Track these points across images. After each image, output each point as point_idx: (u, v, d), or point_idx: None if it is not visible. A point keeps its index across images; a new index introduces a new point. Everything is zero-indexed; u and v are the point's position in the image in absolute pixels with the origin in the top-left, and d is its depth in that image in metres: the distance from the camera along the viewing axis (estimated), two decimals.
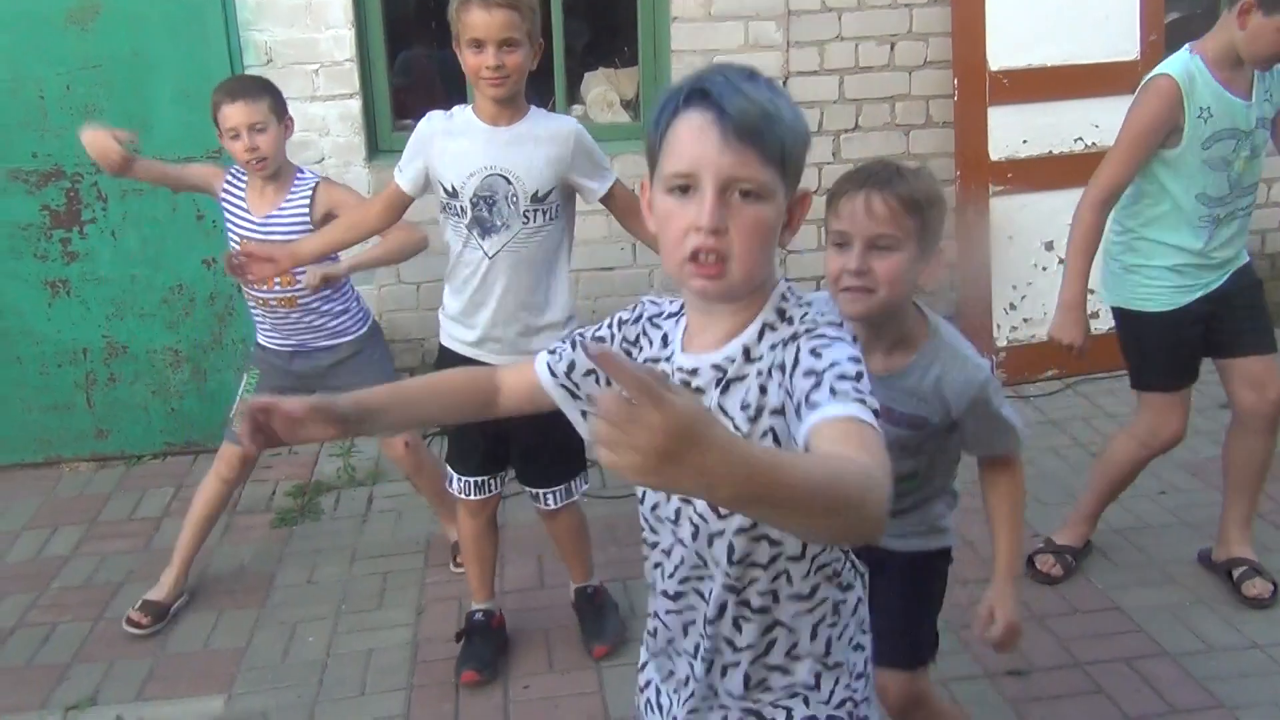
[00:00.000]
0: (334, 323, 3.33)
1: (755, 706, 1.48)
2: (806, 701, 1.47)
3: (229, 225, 3.25)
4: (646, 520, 1.50)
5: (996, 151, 4.68)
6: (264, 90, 3.16)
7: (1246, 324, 3.05)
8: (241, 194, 3.22)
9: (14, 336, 4.25)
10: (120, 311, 4.28)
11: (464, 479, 2.92)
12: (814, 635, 1.45)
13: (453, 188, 2.66)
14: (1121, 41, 4.61)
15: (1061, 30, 4.58)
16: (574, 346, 1.55)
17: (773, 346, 1.34)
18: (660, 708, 1.57)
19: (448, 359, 2.80)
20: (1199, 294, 3.01)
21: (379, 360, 3.42)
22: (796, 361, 1.29)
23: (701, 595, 1.45)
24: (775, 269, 1.40)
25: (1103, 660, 2.92)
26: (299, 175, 3.24)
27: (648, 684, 1.62)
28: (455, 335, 2.83)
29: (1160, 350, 3.11)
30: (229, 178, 3.25)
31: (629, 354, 1.49)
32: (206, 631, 3.29)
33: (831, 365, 1.26)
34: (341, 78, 4.28)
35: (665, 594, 1.49)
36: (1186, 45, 2.94)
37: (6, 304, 4.21)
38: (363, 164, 4.38)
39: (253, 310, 3.32)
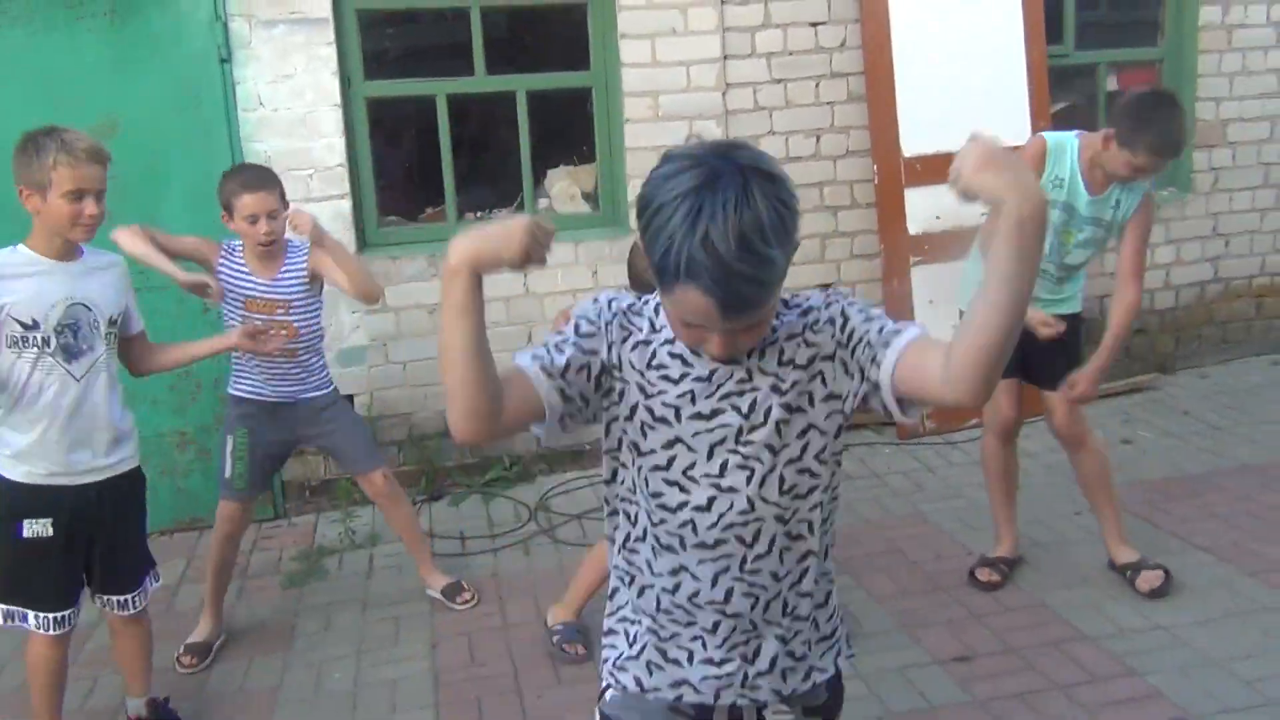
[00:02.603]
0: (317, 377, 3.77)
1: (784, 632, 1.67)
2: (816, 624, 1.72)
3: (235, 289, 3.59)
4: (674, 483, 1.60)
5: (914, 227, 5.30)
6: (275, 180, 3.58)
7: (1053, 360, 3.63)
8: (242, 263, 3.61)
9: None
10: (131, 399, 4.59)
11: (46, 616, 2.91)
12: (825, 556, 1.70)
13: (32, 320, 2.79)
14: (1014, 129, 5.28)
15: (962, 121, 5.19)
16: (557, 350, 1.57)
17: (804, 313, 1.59)
18: (673, 663, 1.68)
19: (25, 496, 2.86)
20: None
21: (350, 410, 3.93)
22: (846, 317, 1.56)
23: (743, 540, 1.61)
24: None
25: (1033, 645, 3.42)
26: (290, 243, 3.69)
27: (626, 660, 1.71)
28: (35, 468, 2.86)
29: None
30: (224, 252, 3.62)
31: (624, 339, 1.60)
32: (240, 677, 3.63)
33: (874, 318, 1.56)
34: (333, 181, 4.76)
35: (702, 545, 1.61)
36: (1078, 131, 3.59)
37: None
38: None
39: (251, 364, 3.67)
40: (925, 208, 5.28)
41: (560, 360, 1.55)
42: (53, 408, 2.84)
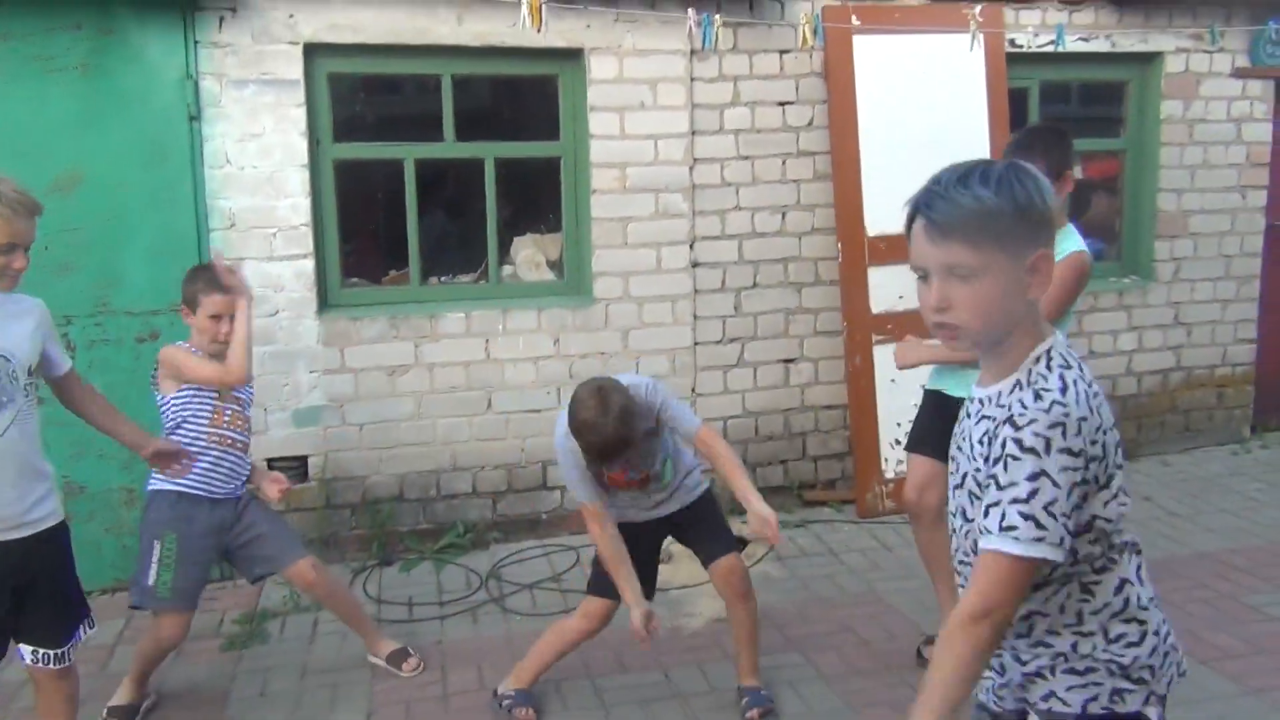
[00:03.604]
0: (249, 466, 3.74)
1: (1001, 680, 1.82)
2: (1064, 659, 1.74)
3: (205, 390, 3.55)
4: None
5: (877, 306, 5.32)
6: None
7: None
8: (204, 358, 3.55)
9: None
10: (81, 453, 4.57)
11: None
12: (1063, 610, 1.72)
13: None
14: None
15: None
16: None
17: (1000, 405, 1.66)
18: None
19: None
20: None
21: (263, 504, 3.78)
22: (998, 459, 1.62)
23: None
24: (1040, 323, 1.69)
25: None
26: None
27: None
28: None
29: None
30: (194, 352, 3.57)
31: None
32: None
33: (1011, 485, 1.59)
34: (297, 240, 4.76)
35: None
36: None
37: None
38: (314, 317, 4.82)
39: (212, 457, 3.55)
40: (889, 287, 5.31)
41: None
42: None
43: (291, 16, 4.64)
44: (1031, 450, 1.58)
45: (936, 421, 3.63)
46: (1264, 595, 4.27)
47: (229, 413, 3.59)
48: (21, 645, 2.93)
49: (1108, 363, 6.00)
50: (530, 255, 5.37)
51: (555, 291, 5.28)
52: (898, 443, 5.36)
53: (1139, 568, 1.78)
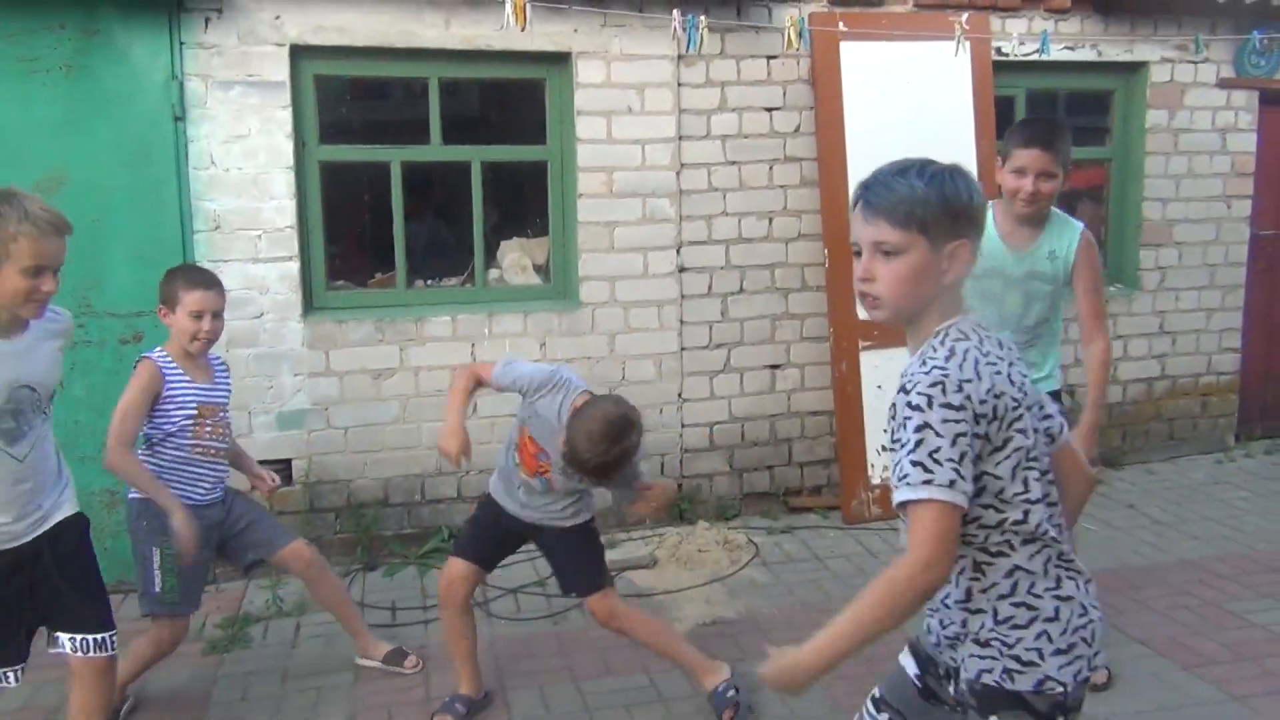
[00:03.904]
0: (228, 469, 3.72)
1: (934, 640, 2.02)
2: (959, 640, 1.94)
3: (183, 397, 3.47)
4: None
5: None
6: (221, 285, 3.57)
7: None
8: (183, 373, 3.49)
9: None
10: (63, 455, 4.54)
11: None
12: (955, 584, 1.91)
13: None
14: None
15: None
16: None
17: (904, 375, 1.82)
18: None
19: None
20: None
21: (246, 496, 3.80)
22: (900, 423, 1.78)
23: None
24: (953, 306, 1.87)
25: None
26: (211, 356, 3.66)
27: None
28: None
29: None
30: (163, 369, 3.47)
31: None
32: None
33: (906, 443, 1.76)
34: (282, 242, 4.74)
35: None
36: (991, 201, 3.59)
37: None
38: (298, 319, 4.80)
39: (195, 469, 3.53)
40: None
41: None
42: None
43: (278, 18, 4.63)
44: (917, 408, 1.76)
45: None
46: (1247, 602, 4.29)
47: (209, 425, 3.55)
48: (60, 635, 2.90)
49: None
50: (517, 259, 5.36)
51: (541, 295, 5.27)
52: (884, 449, 5.36)
53: (1047, 561, 1.88)
